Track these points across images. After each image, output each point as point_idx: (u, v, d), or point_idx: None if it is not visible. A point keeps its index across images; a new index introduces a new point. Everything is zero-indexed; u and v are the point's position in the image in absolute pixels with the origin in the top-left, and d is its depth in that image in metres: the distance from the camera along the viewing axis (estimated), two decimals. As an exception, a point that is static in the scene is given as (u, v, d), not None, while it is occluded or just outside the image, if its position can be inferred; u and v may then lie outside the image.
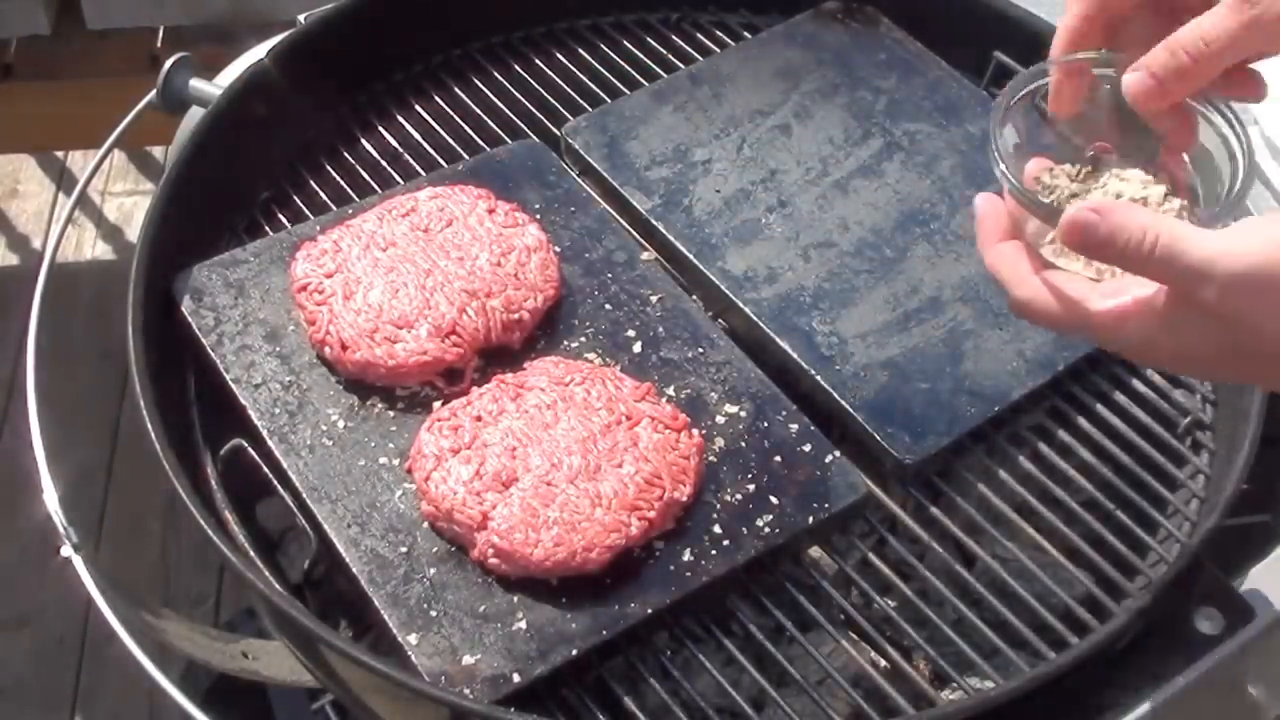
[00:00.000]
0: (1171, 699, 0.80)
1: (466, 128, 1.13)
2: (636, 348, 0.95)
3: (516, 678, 0.78)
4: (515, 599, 0.82)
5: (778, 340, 0.95)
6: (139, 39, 1.73)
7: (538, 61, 1.18)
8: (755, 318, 0.96)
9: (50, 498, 0.95)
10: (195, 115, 1.09)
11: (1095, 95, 0.74)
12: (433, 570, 0.83)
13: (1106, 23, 0.73)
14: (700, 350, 0.95)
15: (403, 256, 0.96)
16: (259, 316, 0.96)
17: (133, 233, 2.22)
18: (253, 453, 0.90)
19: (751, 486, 0.87)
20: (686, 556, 0.84)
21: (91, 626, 1.77)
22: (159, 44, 1.74)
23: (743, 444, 0.89)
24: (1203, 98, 0.71)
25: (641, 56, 1.18)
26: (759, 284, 0.98)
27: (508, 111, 1.14)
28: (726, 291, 0.98)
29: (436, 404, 0.90)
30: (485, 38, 1.20)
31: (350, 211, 1.02)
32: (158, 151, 2.24)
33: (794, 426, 0.90)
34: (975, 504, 0.90)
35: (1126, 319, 0.67)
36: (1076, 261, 0.69)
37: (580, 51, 1.19)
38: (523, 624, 0.80)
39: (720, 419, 0.91)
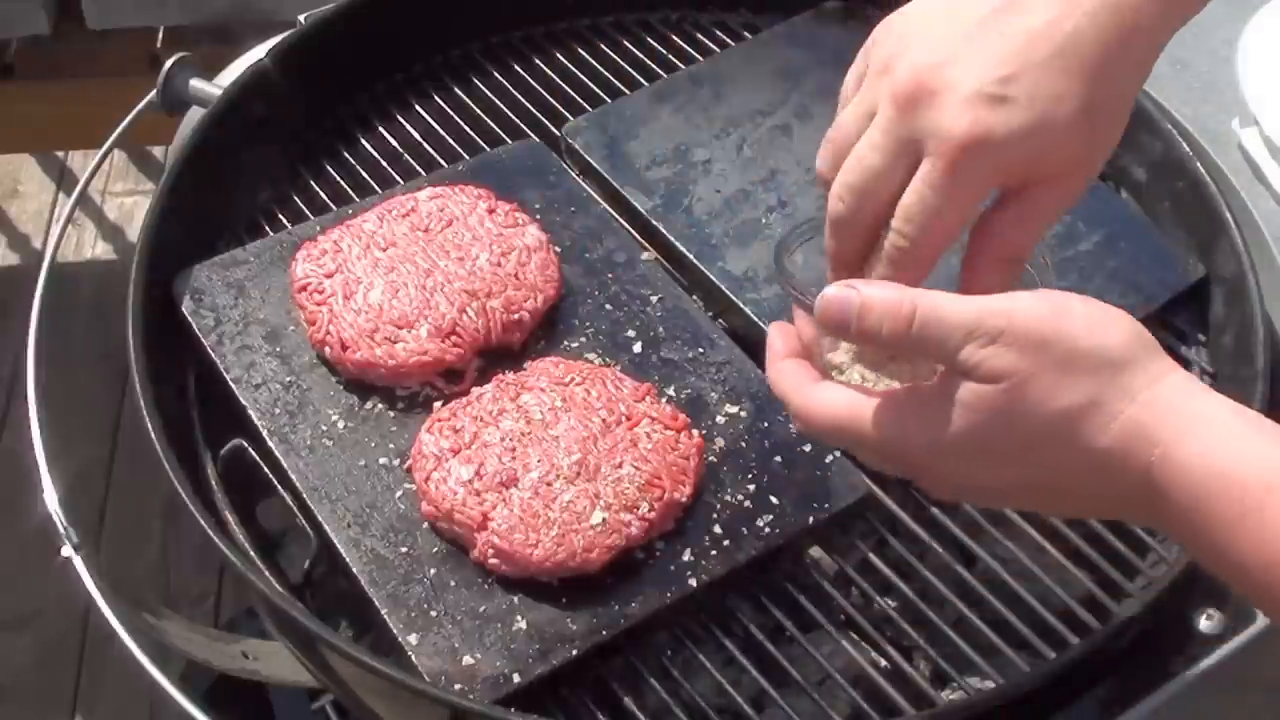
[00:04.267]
0: (1171, 699, 0.80)
1: (466, 128, 1.13)
2: (636, 348, 0.95)
3: (516, 678, 0.78)
4: (515, 599, 0.82)
5: (778, 340, 0.95)
6: (139, 39, 1.73)
7: (538, 61, 1.18)
8: (755, 318, 0.96)
9: (50, 498, 0.95)
10: (195, 115, 1.09)
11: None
12: (433, 570, 0.83)
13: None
14: (700, 350, 0.95)
15: (403, 256, 0.96)
16: (259, 316, 0.96)
17: (133, 233, 2.22)
18: (253, 453, 0.90)
19: (751, 486, 0.87)
20: (686, 556, 0.84)
21: (91, 626, 1.77)
22: (159, 44, 1.74)
23: (743, 444, 0.89)
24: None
25: (641, 56, 1.18)
26: (759, 284, 0.98)
27: (508, 111, 1.14)
28: (726, 291, 0.98)
29: (437, 404, 0.90)
30: (485, 38, 1.20)
31: (350, 211, 1.02)
32: (158, 151, 2.24)
33: (794, 426, 0.90)
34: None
35: (896, 406, 0.63)
36: (867, 374, 0.67)
37: (580, 51, 1.19)
38: (523, 624, 0.80)
39: (720, 419, 0.91)
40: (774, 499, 0.86)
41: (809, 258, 0.72)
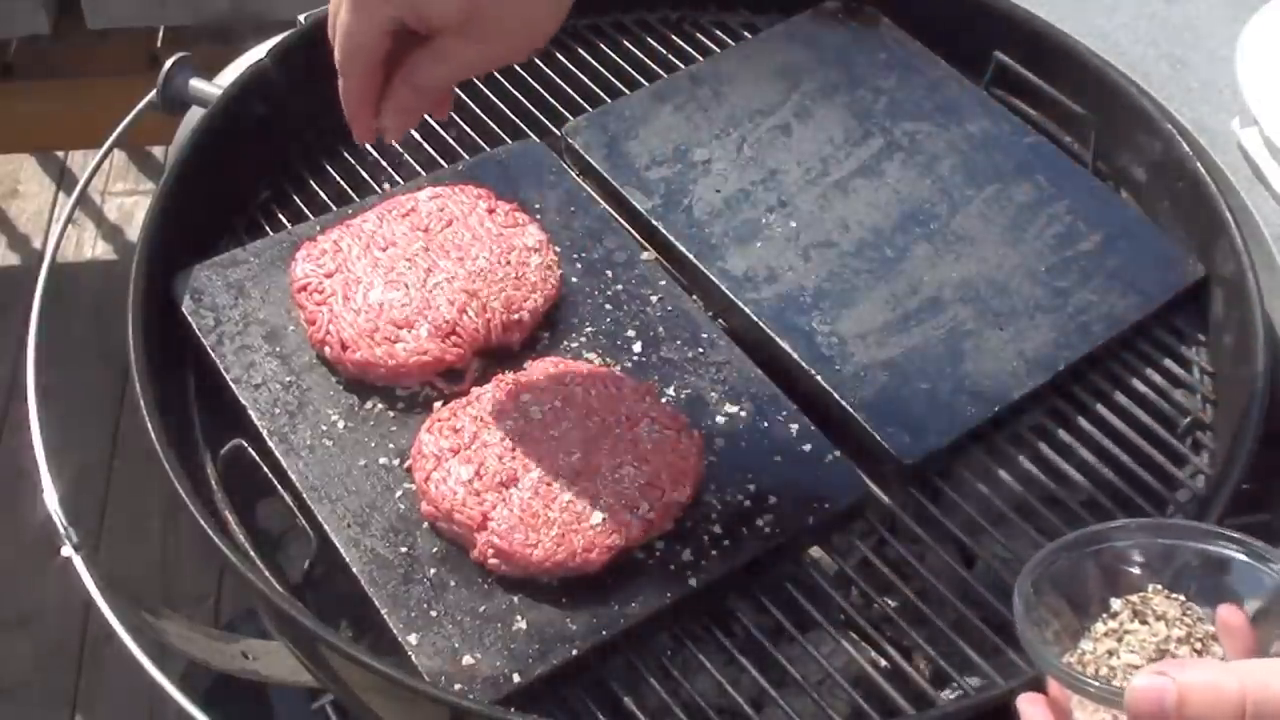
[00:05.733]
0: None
1: (466, 128, 1.13)
2: (636, 348, 0.95)
3: (516, 678, 0.78)
4: (515, 599, 0.82)
5: (778, 340, 0.95)
6: (139, 39, 1.73)
7: (538, 61, 1.18)
8: (755, 318, 0.96)
9: (50, 498, 0.95)
10: (195, 115, 1.09)
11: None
12: (433, 570, 0.83)
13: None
14: (700, 350, 0.95)
15: (403, 256, 0.96)
16: (259, 316, 0.96)
17: (133, 233, 2.22)
18: (253, 453, 0.90)
19: (751, 486, 0.87)
20: (686, 556, 0.84)
21: (91, 626, 1.77)
22: (159, 44, 1.74)
23: (743, 444, 0.89)
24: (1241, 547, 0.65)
25: (641, 56, 1.18)
26: (759, 284, 0.98)
27: (508, 111, 1.14)
28: (726, 291, 0.98)
29: (437, 404, 0.90)
30: (485, 38, 1.20)
31: (350, 211, 1.02)
32: (158, 151, 2.24)
33: (794, 426, 0.90)
34: (975, 504, 0.90)
35: None
36: None
37: (580, 51, 1.19)
38: (523, 624, 0.80)
39: (720, 419, 0.91)
40: (774, 499, 0.86)
41: (1054, 603, 0.66)
